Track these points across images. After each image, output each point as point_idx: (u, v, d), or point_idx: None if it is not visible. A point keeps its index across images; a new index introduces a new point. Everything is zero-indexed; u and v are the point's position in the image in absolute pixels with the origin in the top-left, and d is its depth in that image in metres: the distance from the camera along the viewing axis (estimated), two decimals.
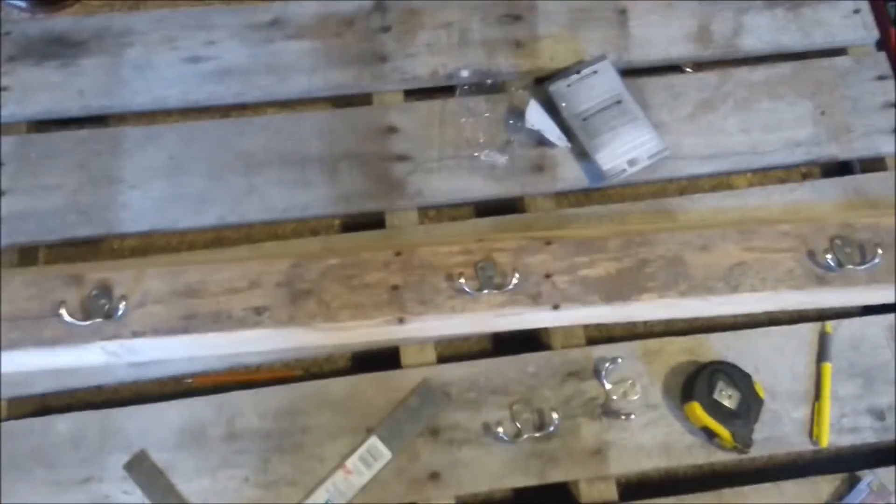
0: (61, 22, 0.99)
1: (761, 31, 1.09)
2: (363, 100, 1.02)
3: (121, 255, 0.98)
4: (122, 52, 0.98)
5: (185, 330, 0.84)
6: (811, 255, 0.94)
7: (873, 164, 1.04)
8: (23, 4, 1.02)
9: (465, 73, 1.00)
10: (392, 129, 0.98)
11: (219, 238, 0.99)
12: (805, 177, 1.09)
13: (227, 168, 0.94)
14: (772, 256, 0.94)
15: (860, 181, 1.02)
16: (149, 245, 0.99)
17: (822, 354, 0.92)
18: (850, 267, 0.92)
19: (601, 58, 1.02)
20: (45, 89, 0.96)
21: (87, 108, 0.97)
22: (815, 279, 0.93)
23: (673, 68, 1.08)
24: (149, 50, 0.98)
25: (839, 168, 1.07)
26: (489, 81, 1.00)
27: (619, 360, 0.89)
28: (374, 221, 0.96)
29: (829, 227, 0.96)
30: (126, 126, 0.97)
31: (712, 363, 0.88)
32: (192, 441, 0.83)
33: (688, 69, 1.10)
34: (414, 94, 1.03)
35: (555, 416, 0.85)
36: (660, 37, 1.07)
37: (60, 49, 0.98)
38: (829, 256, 0.92)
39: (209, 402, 0.85)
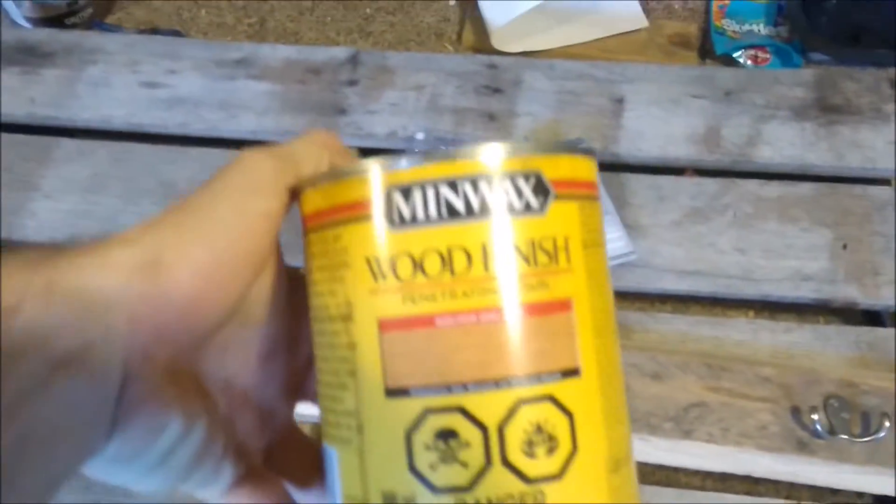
0: (38, 33, 1.00)
1: (783, 145, 0.93)
2: None
3: None
4: (83, 69, 0.96)
5: None
6: (795, 412, 0.74)
7: None
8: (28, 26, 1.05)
9: (420, 136, 0.90)
10: None
11: None
12: (819, 319, 0.89)
13: (145, 193, 0.88)
14: (742, 404, 0.75)
15: (879, 336, 0.81)
16: None
17: None
18: (845, 437, 0.71)
19: (578, 141, 0.90)
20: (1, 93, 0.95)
21: (33, 117, 0.95)
22: (795, 444, 0.73)
23: (666, 170, 0.93)
24: (110, 70, 0.96)
25: (862, 317, 0.87)
26: (444, 148, 0.89)
27: None
28: None
29: (825, 383, 0.76)
30: (63, 138, 0.94)
31: None
32: None
33: (693, 178, 0.95)
34: (369, 153, 0.94)
35: None
36: (657, 133, 0.93)
37: (28, 58, 0.97)
38: (816, 417, 0.72)
39: None
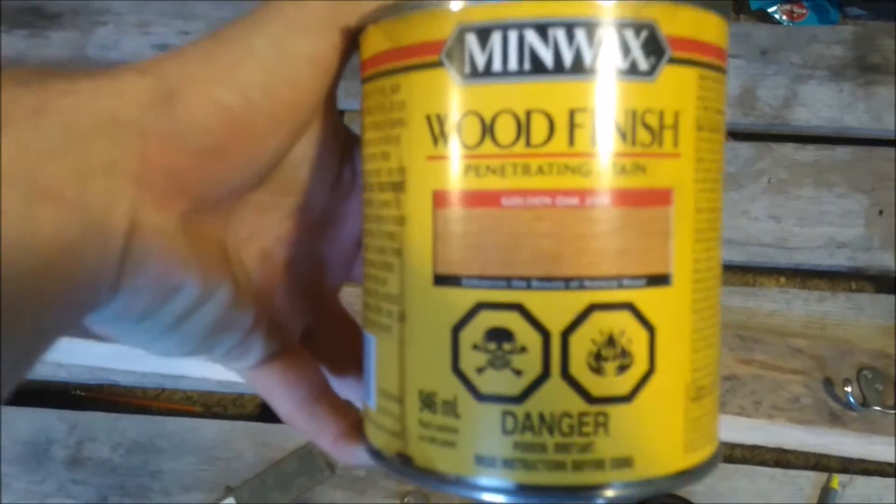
0: None
1: (819, 106, 0.90)
2: None
3: None
4: (92, 30, 0.93)
5: None
6: (828, 384, 0.74)
7: None
8: None
9: None
10: None
11: None
12: (855, 289, 0.88)
13: None
14: (775, 376, 0.75)
15: None
16: None
17: None
18: (877, 409, 0.71)
19: None
20: (7, 56, 0.92)
21: None
22: (828, 416, 0.73)
23: None
24: (120, 31, 0.93)
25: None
26: None
27: None
28: None
29: (858, 353, 0.75)
30: None
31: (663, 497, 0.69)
32: (33, 458, 0.72)
33: (729, 138, 0.93)
34: None
35: None
36: None
37: (34, 19, 0.94)
38: (849, 390, 0.72)
39: (63, 417, 0.74)
